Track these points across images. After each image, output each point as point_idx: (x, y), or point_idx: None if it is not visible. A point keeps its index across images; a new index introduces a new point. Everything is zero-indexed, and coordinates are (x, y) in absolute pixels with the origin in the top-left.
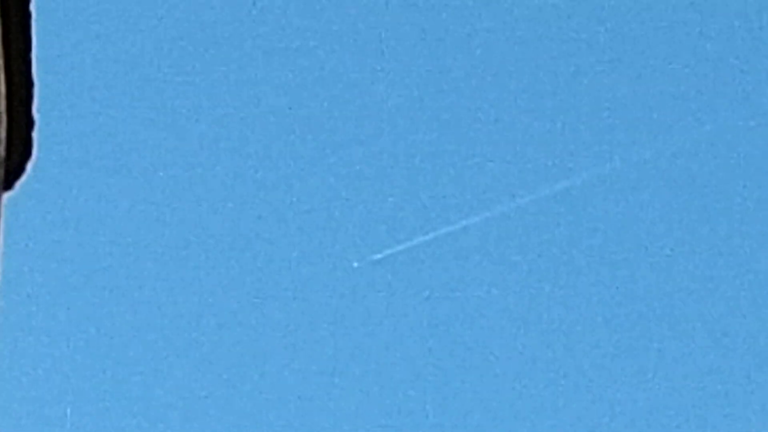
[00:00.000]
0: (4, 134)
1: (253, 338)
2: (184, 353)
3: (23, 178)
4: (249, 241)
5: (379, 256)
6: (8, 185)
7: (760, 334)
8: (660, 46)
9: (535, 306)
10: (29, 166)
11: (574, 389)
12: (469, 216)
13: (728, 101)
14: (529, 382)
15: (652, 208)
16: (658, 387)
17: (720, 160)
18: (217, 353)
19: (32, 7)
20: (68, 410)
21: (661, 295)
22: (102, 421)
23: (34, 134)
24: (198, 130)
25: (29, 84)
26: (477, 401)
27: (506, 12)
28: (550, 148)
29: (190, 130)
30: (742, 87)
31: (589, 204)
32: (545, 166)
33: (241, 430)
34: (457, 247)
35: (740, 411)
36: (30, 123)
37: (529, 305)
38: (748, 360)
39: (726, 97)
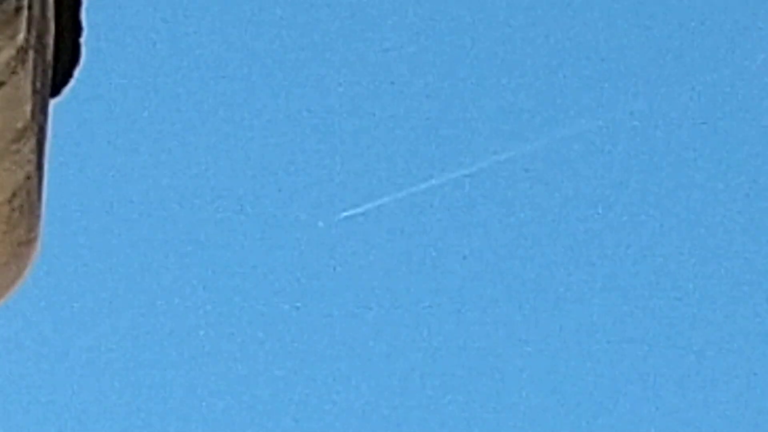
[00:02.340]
0: (52, 40)
1: (223, 305)
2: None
3: (70, 85)
4: (221, 203)
5: (353, 211)
6: (56, 92)
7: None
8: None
9: (512, 264)
10: (76, 72)
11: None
12: (446, 172)
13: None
14: (508, 341)
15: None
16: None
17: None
18: (184, 316)
19: None
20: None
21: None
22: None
23: (82, 40)
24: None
25: None
26: (453, 361)
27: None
28: (529, 103)
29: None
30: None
31: (567, 160)
32: (519, 123)
33: (209, 394)
34: (431, 203)
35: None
36: (78, 29)
37: (506, 263)
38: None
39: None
